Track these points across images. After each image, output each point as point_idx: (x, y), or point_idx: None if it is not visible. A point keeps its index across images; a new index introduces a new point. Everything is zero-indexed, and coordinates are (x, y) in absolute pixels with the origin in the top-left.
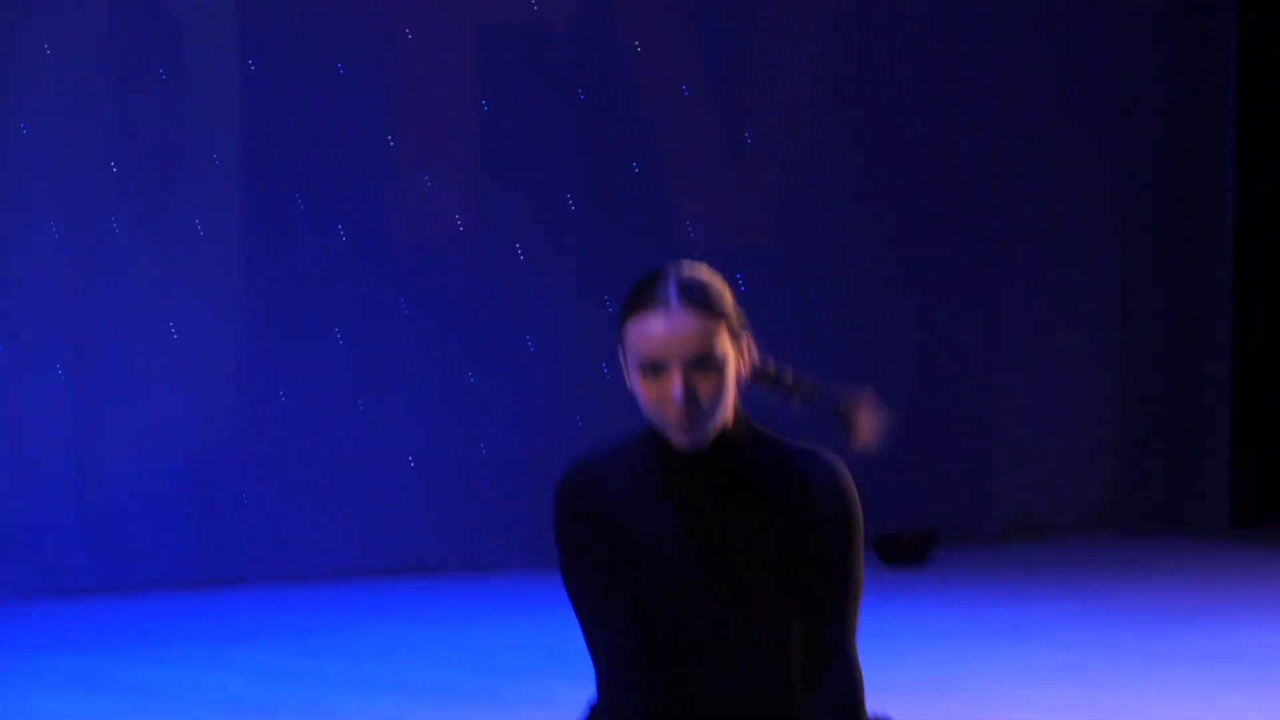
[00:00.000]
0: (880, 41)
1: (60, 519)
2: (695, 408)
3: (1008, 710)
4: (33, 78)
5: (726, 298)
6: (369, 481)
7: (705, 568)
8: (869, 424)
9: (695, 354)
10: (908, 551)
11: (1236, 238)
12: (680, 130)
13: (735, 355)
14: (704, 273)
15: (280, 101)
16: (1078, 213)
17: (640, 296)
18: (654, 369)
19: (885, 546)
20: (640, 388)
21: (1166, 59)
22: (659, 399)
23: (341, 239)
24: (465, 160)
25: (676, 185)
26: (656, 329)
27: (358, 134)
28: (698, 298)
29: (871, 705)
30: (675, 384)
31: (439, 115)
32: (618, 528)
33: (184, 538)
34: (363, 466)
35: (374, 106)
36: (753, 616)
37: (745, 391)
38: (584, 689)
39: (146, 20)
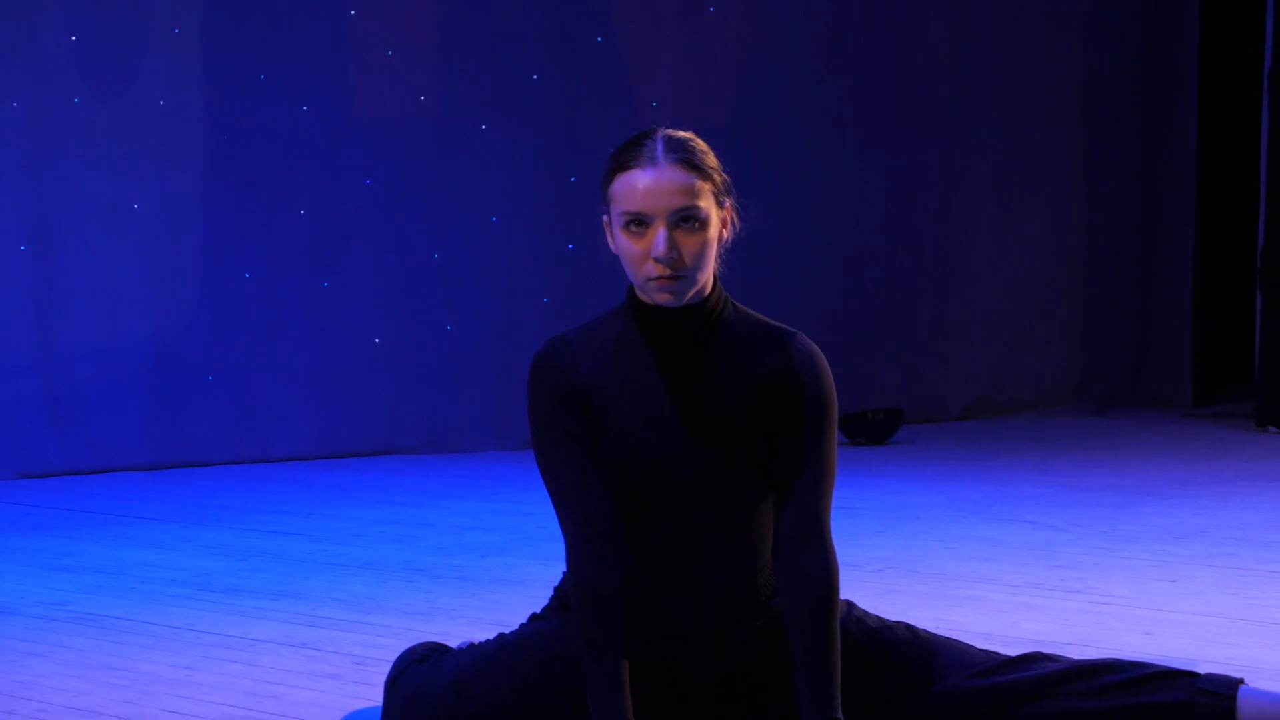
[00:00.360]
0: None
1: (25, 399)
2: (678, 262)
3: (972, 587)
4: None
5: (712, 160)
6: (334, 362)
7: (681, 435)
8: None
9: (679, 208)
10: (872, 430)
11: (1201, 113)
12: (643, 1)
13: (718, 218)
14: (691, 135)
15: None
16: (1040, 87)
17: (627, 154)
18: (638, 223)
19: (850, 424)
20: (624, 244)
21: None
22: (642, 254)
23: (304, 113)
24: (427, 34)
25: (639, 58)
26: (642, 182)
27: (319, 7)
28: (683, 155)
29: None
30: (660, 236)
31: None
32: (591, 402)
33: (149, 418)
34: (328, 346)
35: None
36: (726, 487)
37: (725, 263)
38: (552, 568)
39: None
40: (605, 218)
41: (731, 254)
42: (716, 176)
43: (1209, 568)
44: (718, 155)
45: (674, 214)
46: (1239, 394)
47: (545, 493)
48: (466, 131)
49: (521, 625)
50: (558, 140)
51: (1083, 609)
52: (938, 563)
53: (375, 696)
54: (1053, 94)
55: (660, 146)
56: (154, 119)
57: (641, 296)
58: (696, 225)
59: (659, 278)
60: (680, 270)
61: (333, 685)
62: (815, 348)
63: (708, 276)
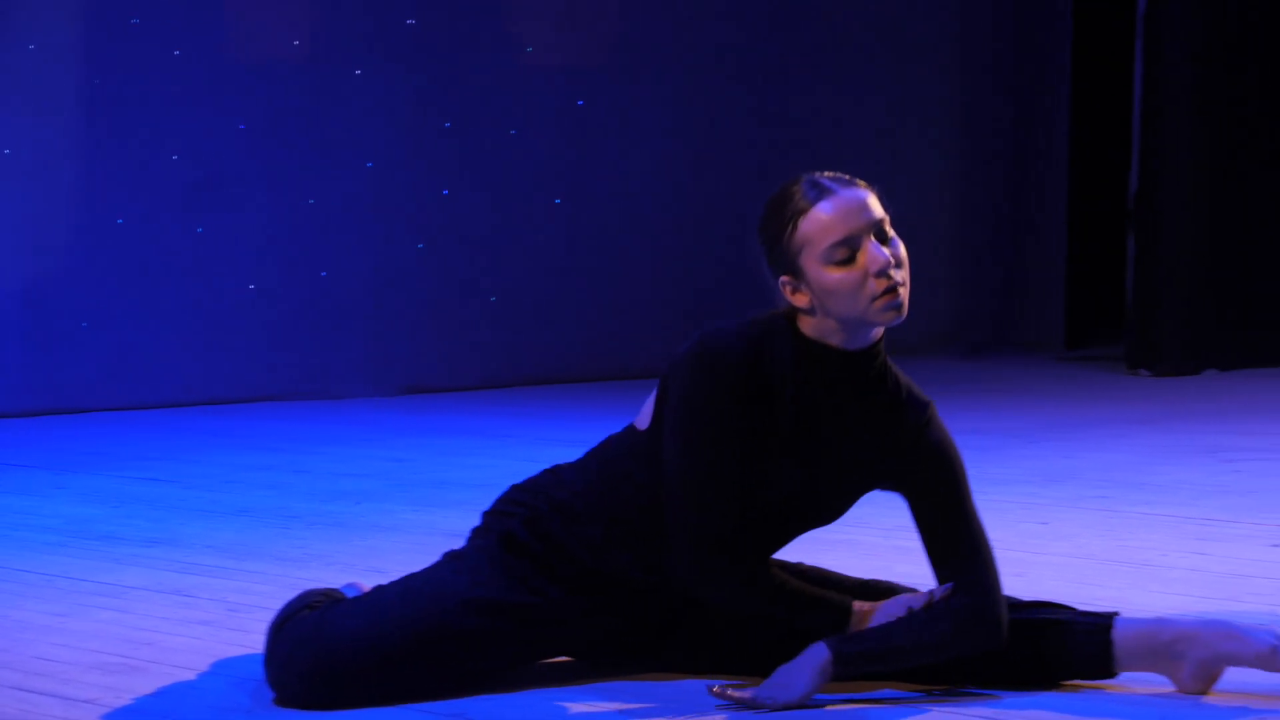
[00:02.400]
0: None
1: None
2: (899, 269)
3: (843, 531)
4: None
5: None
6: (209, 308)
7: (810, 485)
8: None
9: (878, 220)
10: None
11: (1074, 57)
12: None
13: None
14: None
15: None
16: (919, 35)
17: (795, 201)
18: (848, 247)
19: None
20: (834, 279)
21: None
22: (860, 277)
23: (176, 57)
24: None
25: (516, 1)
26: (842, 203)
27: None
28: (849, 178)
29: None
30: (874, 248)
31: None
32: (760, 407)
33: (21, 364)
34: (203, 292)
35: None
36: (809, 528)
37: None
38: (426, 513)
39: None
40: (785, 279)
41: (609, 199)
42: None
43: (1080, 510)
44: (595, 96)
45: (874, 227)
46: (1110, 337)
47: (417, 442)
48: (341, 76)
49: (432, 567)
50: (433, 85)
51: None
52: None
53: (250, 643)
54: (931, 42)
55: (823, 179)
56: (25, 64)
57: (819, 334)
58: (890, 236)
59: (885, 292)
60: (901, 278)
61: (207, 632)
62: (944, 428)
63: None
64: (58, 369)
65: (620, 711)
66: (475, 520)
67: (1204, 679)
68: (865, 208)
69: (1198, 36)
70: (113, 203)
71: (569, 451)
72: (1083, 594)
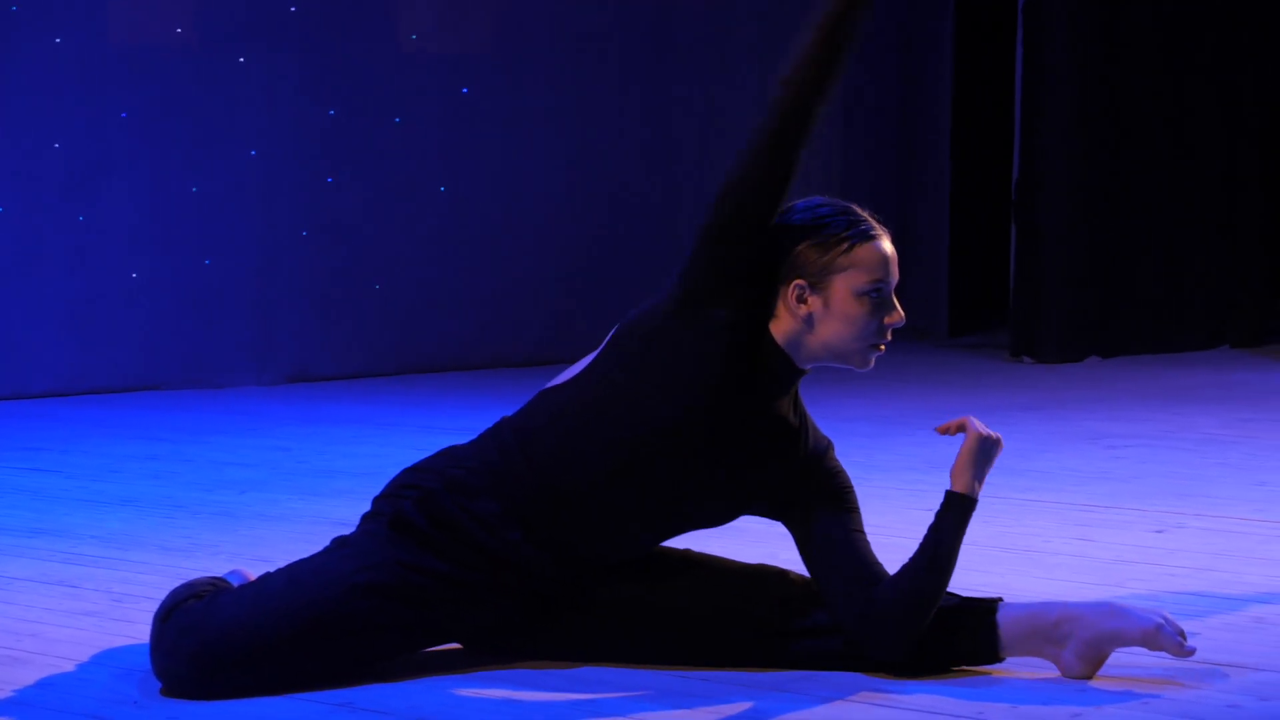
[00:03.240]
0: None
1: None
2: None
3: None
4: None
5: None
6: (91, 296)
7: (720, 488)
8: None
9: (897, 279)
10: None
11: (956, 44)
12: None
13: None
14: None
15: None
16: (798, 24)
17: (867, 224)
18: (879, 292)
19: None
20: (856, 311)
21: None
22: (878, 322)
23: (58, 44)
24: None
25: None
26: (889, 252)
27: None
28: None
29: None
30: (898, 308)
31: None
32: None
33: None
34: (85, 281)
35: None
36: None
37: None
38: (313, 503)
39: None
40: (799, 283)
41: (493, 186)
42: None
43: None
44: (476, 87)
45: (895, 284)
46: (994, 324)
47: (303, 431)
48: (224, 63)
49: (320, 553)
50: (317, 73)
51: None
52: None
53: (136, 634)
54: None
55: (876, 221)
56: None
57: (789, 345)
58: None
59: (878, 345)
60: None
61: (92, 623)
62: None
63: None
64: None
65: (507, 700)
66: (363, 507)
67: (1090, 661)
68: (897, 266)
69: (1078, 28)
70: None
71: (455, 439)
72: (968, 581)
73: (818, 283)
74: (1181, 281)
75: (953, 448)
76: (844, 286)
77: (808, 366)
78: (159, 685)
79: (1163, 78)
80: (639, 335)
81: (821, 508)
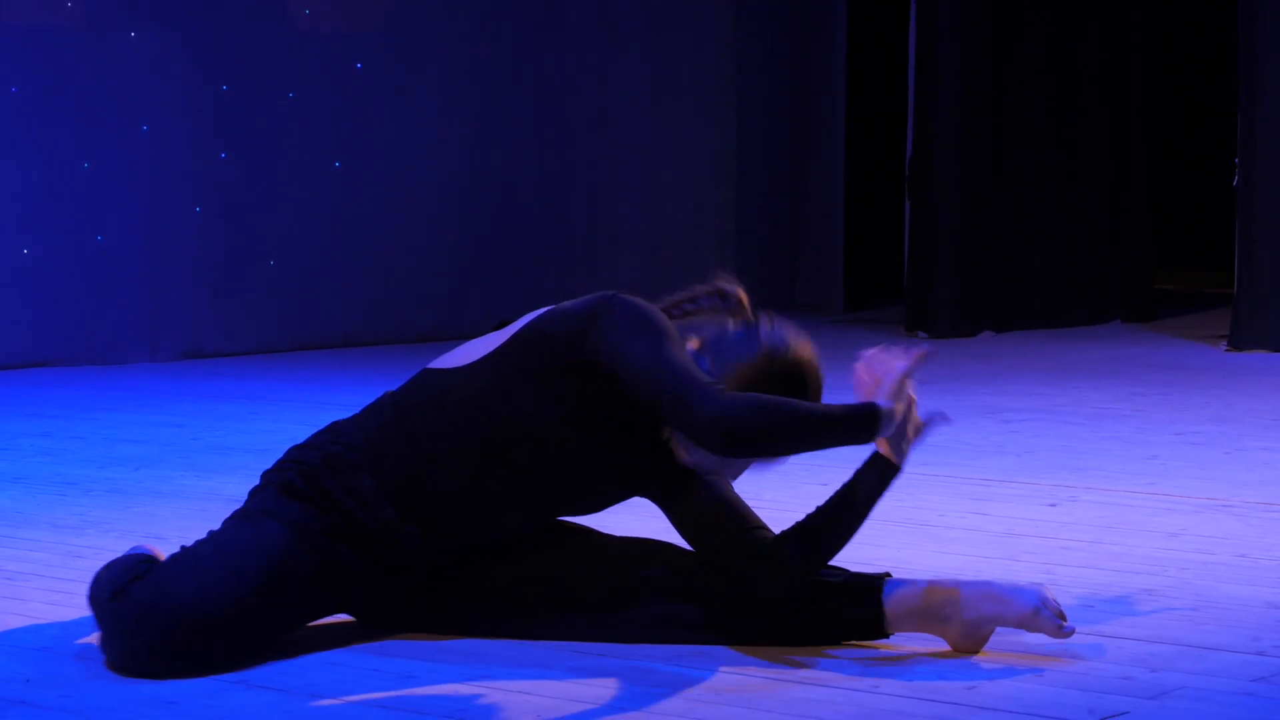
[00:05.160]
0: None
1: None
2: None
3: None
4: None
5: None
6: None
7: (601, 485)
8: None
9: None
10: None
11: (850, 20)
12: None
13: None
14: None
15: None
16: None
17: (813, 360)
18: None
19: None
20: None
21: None
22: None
23: None
24: None
25: None
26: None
27: None
28: None
29: None
30: None
31: None
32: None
33: None
34: None
35: None
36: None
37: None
38: (206, 479)
39: None
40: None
41: (387, 164)
42: None
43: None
44: (371, 64)
45: None
46: (889, 300)
47: (196, 407)
48: (116, 39)
49: (231, 522)
50: (210, 49)
51: None
52: None
53: (29, 612)
54: (704, 7)
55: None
56: None
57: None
58: None
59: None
60: None
61: None
62: None
63: None
64: None
65: (402, 674)
66: (255, 483)
67: (973, 639)
68: None
69: (971, 6)
70: None
71: (348, 415)
72: (862, 555)
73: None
74: (1072, 257)
75: None
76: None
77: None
78: (107, 665)
79: (1050, 57)
80: (538, 340)
81: (691, 477)
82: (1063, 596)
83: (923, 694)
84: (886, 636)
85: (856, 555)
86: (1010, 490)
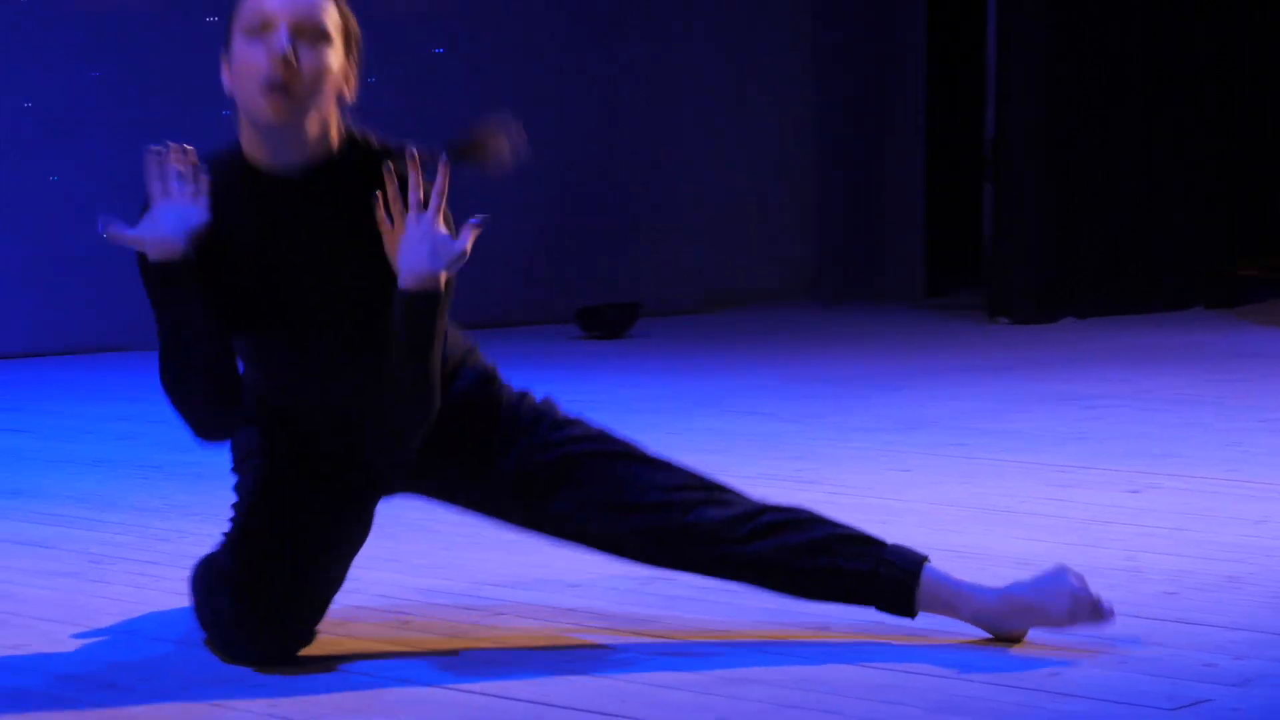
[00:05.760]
0: None
1: None
2: (294, 70)
3: None
4: None
5: (345, 7)
6: (60, 257)
7: (296, 298)
8: (500, 146)
9: (303, 16)
10: (608, 323)
11: (930, 8)
12: None
13: (342, 60)
14: None
15: None
16: None
17: None
18: (261, 30)
19: (585, 318)
20: (240, 62)
21: None
22: (258, 65)
23: None
24: None
25: None
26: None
27: None
28: None
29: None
30: (280, 35)
31: None
32: (208, 246)
33: None
34: (53, 241)
35: None
36: (347, 329)
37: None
38: None
39: None
40: (224, 57)
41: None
42: (350, 20)
43: (940, 457)
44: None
45: (297, 21)
46: (970, 285)
47: None
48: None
49: (241, 492)
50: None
51: (818, 499)
52: (670, 455)
53: (112, 594)
54: None
55: None
56: None
57: (249, 146)
58: (321, 41)
59: (270, 86)
60: (296, 83)
61: (68, 583)
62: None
63: (324, 117)
64: None
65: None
66: None
67: (1007, 638)
68: (293, 5)
69: None
70: None
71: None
72: (945, 541)
73: (228, 53)
74: (1154, 243)
75: (929, 408)
76: (234, 46)
77: (264, 119)
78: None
79: (1137, 36)
80: None
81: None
82: (1146, 584)
83: (1006, 681)
84: (913, 617)
85: (941, 541)
86: (1092, 477)
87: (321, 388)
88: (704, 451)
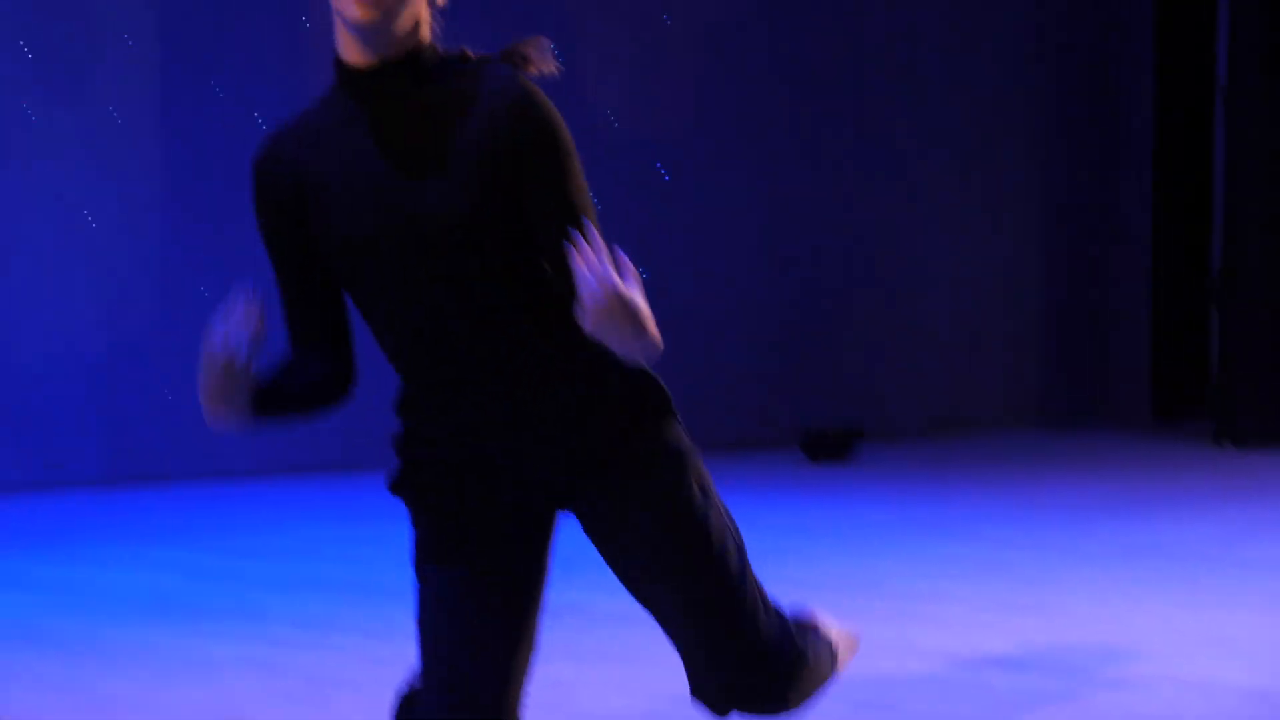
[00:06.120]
0: None
1: None
2: None
3: (932, 605)
4: None
5: None
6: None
7: (400, 207)
8: (540, 54)
9: None
10: (833, 448)
11: (1156, 126)
12: None
13: None
14: None
15: None
16: (993, 109)
17: None
18: None
19: (810, 443)
20: None
21: None
22: None
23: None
24: None
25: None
26: None
27: None
28: None
29: (793, 600)
30: None
31: None
32: (306, 194)
33: (99, 433)
34: None
35: None
36: (468, 257)
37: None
38: None
39: None
40: None
41: (680, 249)
42: None
43: (1165, 584)
44: (671, 161)
45: None
46: (1197, 410)
47: None
48: None
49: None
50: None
51: (1040, 626)
52: (898, 582)
53: (335, 713)
54: (1015, 121)
55: None
56: (108, 130)
57: (343, 48)
58: None
59: None
60: None
61: (290, 706)
62: (530, 83)
63: (415, 14)
64: (134, 437)
65: None
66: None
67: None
68: None
69: (1278, 105)
70: (195, 269)
71: None
72: (1172, 671)
73: None
74: None
75: (1159, 533)
76: None
77: (352, 17)
78: None
79: None
80: None
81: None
82: None
83: None
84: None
85: (1167, 671)
86: None
87: (473, 355)
88: (931, 577)
